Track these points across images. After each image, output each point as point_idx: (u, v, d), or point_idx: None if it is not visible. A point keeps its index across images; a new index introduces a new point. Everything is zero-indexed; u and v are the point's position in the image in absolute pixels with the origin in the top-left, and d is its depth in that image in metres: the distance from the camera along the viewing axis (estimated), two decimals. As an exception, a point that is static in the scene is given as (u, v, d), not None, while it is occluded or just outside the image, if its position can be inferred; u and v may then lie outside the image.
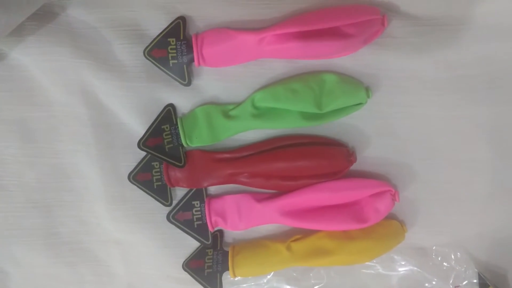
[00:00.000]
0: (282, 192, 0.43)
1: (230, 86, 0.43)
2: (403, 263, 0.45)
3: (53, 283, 0.48)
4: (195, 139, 0.42)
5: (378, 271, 0.46)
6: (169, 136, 0.43)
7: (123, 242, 0.46)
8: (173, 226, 0.44)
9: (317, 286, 0.46)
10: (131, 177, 0.44)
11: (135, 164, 0.44)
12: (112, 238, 0.46)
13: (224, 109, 0.42)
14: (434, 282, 0.45)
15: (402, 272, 0.46)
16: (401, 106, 0.43)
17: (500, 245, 0.45)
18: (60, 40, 0.42)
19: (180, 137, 0.42)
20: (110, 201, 0.45)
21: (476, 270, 0.45)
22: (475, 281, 0.45)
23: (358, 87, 0.41)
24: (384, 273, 0.46)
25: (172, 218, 0.44)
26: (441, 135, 0.43)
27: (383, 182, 0.43)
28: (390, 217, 0.45)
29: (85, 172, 0.45)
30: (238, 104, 0.42)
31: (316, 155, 0.42)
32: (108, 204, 0.45)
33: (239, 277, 0.45)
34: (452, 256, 0.45)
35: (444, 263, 0.45)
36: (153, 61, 0.41)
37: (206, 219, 0.43)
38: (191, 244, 0.45)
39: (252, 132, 0.43)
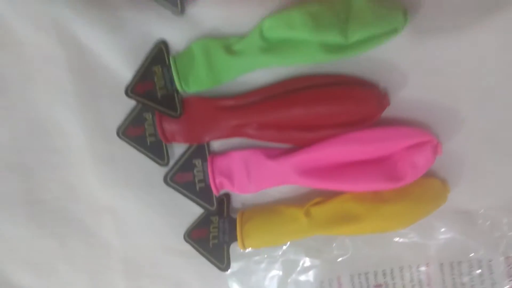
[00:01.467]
0: (299, 146, 0.41)
1: (234, 13, 0.39)
2: (443, 229, 0.43)
3: (39, 257, 0.46)
4: (192, 82, 0.40)
5: (414, 239, 0.43)
6: (162, 79, 0.40)
7: (116, 209, 0.45)
8: (172, 190, 0.42)
9: (341, 258, 0.44)
10: (120, 132, 0.42)
11: (124, 116, 0.42)
12: (103, 205, 0.45)
13: (226, 43, 0.39)
14: (481, 252, 0.42)
15: (442, 240, 0.43)
16: (449, 32, 0.39)
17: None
18: None
19: (174, 80, 0.40)
20: (97, 161, 0.43)
21: None
22: None
23: (394, 9, 0.37)
24: (420, 242, 0.43)
25: (170, 180, 0.42)
26: (499, 73, 0.39)
27: (423, 131, 0.39)
28: (430, 174, 0.42)
29: (66, 127, 0.43)
30: (243, 36, 0.39)
31: (340, 98, 0.39)
32: (95, 166, 0.43)
33: (249, 249, 0.43)
34: (504, 221, 0.42)
35: (494, 230, 0.42)
36: None
37: (209, 180, 0.41)
38: (193, 210, 0.43)
39: (262, 72, 0.40)
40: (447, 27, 0.39)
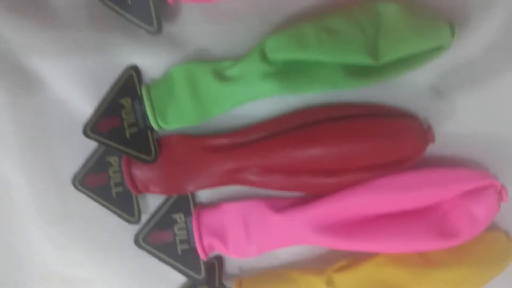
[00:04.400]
0: (315, 196, 0.39)
1: (225, 30, 0.39)
2: None
3: None
4: (172, 116, 0.39)
5: None
6: (132, 114, 0.39)
7: (71, 279, 0.44)
8: (146, 254, 0.41)
9: None
10: (76, 181, 0.41)
11: (82, 161, 0.41)
12: (56, 274, 0.44)
13: (217, 68, 0.38)
14: None
15: None
16: (507, 50, 0.38)
17: None
18: None
19: (147, 115, 0.39)
20: (47, 219, 0.42)
21: None
22: None
23: (437, 21, 0.36)
24: None
25: (143, 241, 0.41)
26: None
27: (480, 172, 0.38)
28: (492, 226, 0.40)
29: (7, 177, 0.42)
30: (239, 58, 0.38)
31: (370, 132, 0.37)
32: (45, 224, 0.42)
33: None
34: None
35: None
36: None
37: (195, 241, 0.40)
38: (174, 278, 0.42)
39: (264, 102, 0.39)
40: (501, 43, 0.38)
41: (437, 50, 0.36)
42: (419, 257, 0.39)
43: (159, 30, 0.38)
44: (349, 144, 0.37)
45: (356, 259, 0.40)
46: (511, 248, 0.40)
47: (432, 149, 0.39)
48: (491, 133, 0.40)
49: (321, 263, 0.41)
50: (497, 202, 0.38)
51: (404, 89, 0.39)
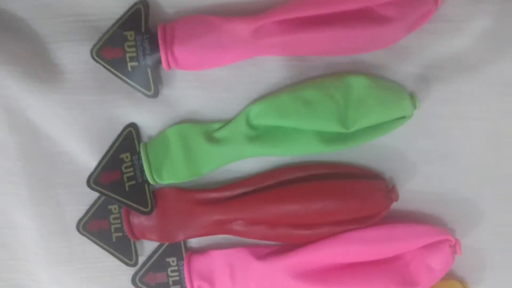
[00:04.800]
0: (294, 246, 0.41)
1: (215, 96, 0.41)
2: None
3: None
4: (166, 173, 0.40)
5: None
6: (131, 169, 0.41)
7: None
8: None
9: None
10: (80, 226, 0.42)
11: (86, 208, 0.42)
12: None
13: (207, 130, 0.40)
14: None
15: None
16: (460, 118, 0.40)
17: None
18: None
19: (145, 170, 0.40)
20: (53, 260, 0.43)
21: None
22: None
23: (400, 94, 0.38)
24: None
25: (140, 281, 0.42)
26: None
27: (438, 228, 0.40)
28: (448, 276, 0.42)
29: (17, 221, 0.43)
30: (227, 122, 0.40)
31: (341, 192, 0.39)
32: (51, 265, 0.43)
33: None
34: None
35: None
36: (104, 64, 0.39)
37: (186, 283, 0.41)
38: None
39: (249, 162, 0.41)
40: (456, 114, 0.40)
41: (400, 119, 0.38)
42: None
43: (155, 94, 0.39)
44: (323, 202, 0.39)
45: None
46: None
47: (395, 205, 0.40)
48: (447, 190, 0.41)
49: None
50: (451, 255, 0.39)
51: (371, 150, 0.41)
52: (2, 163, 0.42)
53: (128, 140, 0.41)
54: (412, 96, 0.38)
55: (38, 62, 0.40)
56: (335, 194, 0.39)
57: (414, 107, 0.38)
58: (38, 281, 0.44)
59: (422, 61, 0.40)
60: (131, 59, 0.38)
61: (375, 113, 0.38)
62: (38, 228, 0.43)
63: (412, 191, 0.41)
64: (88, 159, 0.41)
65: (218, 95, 0.41)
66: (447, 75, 0.40)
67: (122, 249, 0.42)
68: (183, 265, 0.42)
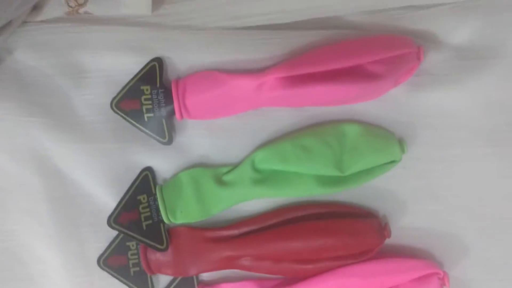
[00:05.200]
0: (296, 279, 0.41)
1: (223, 143, 0.42)
2: None
3: None
4: (180, 213, 0.41)
5: None
6: (147, 209, 0.41)
7: None
8: None
9: None
10: (101, 261, 0.43)
11: (106, 245, 0.43)
12: None
13: (217, 174, 0.41)
14: None
15: None
16: (445, 161, 0.41)
17: None
18: (5, 93, 0.41)
19: (160, 211, 0.41)
20: None
21: None
22: None
23: (390, 140, 0.40)
24: None
25: None
26: (498, 198, 0.42)
27: (427, 262, 0.41)
28: None
29: (43, 256, 0.44)
30: (234, 167, 0.41)
31: (339, 230, 0.40)
32: None
33: None
34: None
35: None
36: (123, 115, 0.40)
37: None
38: None
39: (255, 202, 0.42)
40: (442, 157, 0.42)
41: (390, 163, 0.40)
42: None
43: (170, 141, 0.40)
44: (322, 240, 0.39)
45: None
46: None
47: (388, 241, 0.41)
48: (435, 227, 0.42)
49: None
50: (440, 287, 0.40)
51: (365, 191, 0.42)
52: (32, 205, 0.43)
53: (145, 183, 0.42)
54: (401, 142, 0.39)
55: (63, 114, 0.42)
56: (333, 232, 0.40)
57: (403, 152, 0.39)
58: None
59: (409, 109, 0.41)
60: (148, 110, 0.40)
61: (367, 158, 0.39)
62: (64, 263, 0.43)
63: (404, 228, 0.42)
64: (108, 200, 0.42)
65: (226, 141, 0.42)
66: (432, 122, 0.41)
67: (140, 282, 0.42)
68: None
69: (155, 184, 0.42)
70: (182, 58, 0.41)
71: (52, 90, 0.42)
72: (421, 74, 0.40)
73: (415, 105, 0.41)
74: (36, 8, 0.41)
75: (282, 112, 0.41)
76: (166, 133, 0.41)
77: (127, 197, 0.41)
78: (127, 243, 0.42)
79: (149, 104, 0.40)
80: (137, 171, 0.42)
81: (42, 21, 0.42)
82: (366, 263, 0.40)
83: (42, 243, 0.43)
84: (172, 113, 0.40)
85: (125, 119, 0.40)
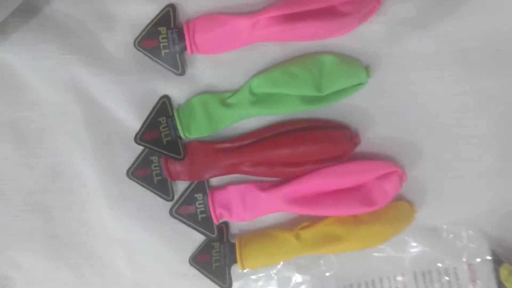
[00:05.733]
0: (286, 180, 0.44)
1: (226, 73, 0.44)
2: (414, 244, 0.47)
3: (58, 287, 0.50)
4: (194, 130, 0.44)
5: (390, 253, 0.47)
6: (166, 128, 0.44)
7: (126, 240, 0.48)
8: (177, 221, 0.45)
9: (328, 273, 0.48)
10: (129, 173, 0.45)
11: (133, 159, 0.45)
12: (115, 238, 0.48)
13: (221, 98, 0.44)
14: (447, 262, 0.47)
15: (414, 253, 0.47)
16: (404, 84, 0.44)
17: (512, 219, 0.45)
18: (47, 36, 0.43)
19: (177, 129, 0.43)
20: (110, 199, 0.47)
21: (489, 246, 0.46)
22: (488, 258, 0.46)
23: (358, 66, 0.42)
24: (396, 255, 0.47)
25: (175, 212, 0.46)
26: (447, 111, 0.45)
27: (389, 163, 0.44)
28: (399, 198, 0.46)
29: (82, 171, 0.47)
30: (235, 92, 0.44)
31: (319, 139, 0.43)
32: (108, 203, 0.47)
33: (248, 269, 0.47)
34: (464, 234, 0.47)
35: (456, 242, 0.47)
36: (144, 51, 0.42)
37: (210, 211, 0.45)
38: (196, 238, 0.47)
39: (252, 120, 0.45)
40: (401, 80, 0.44)
41: (359, 85, 0.42)
42: (352, 218, 0.44)
43: (182, 72, 0.43)
44: (305, 147, 0.43)
45: (313, 221, 0.45)
46: (412, 212, 0.45)
47: (359, 148, 0.44)
48: (397, 137, 0.45)
49: (292, 224, 0.47)
50: (400, 183, 0.43)
51: (341, 109, 0.45)
52: (72, 128, 0.46)
53: (163, 107, 0.44)
54: (367, 68, 0.42)
55: (96, 52, 0.44)
56: (314, 141, 0.43)
57: (368, 76, 0.42)
58: (99, 217, 0.48)
59: (373, 42, 0.43)
60: (164, 47, 0.42)
61: (340, 81, 0.42)
62: (99, 176, 0.46)
63: (371, 138, 0.45)
64: (134, 123, 0.45)
65: (228, 72, 0.44)
66: (393, 53, 0.44)
67: (162, 188, 0.45)
68: (207, 199, 0.45)
69: (172, 108, 0.44)
70: (191, 4, 0.43)
71: (85, 33, 0.44)
72: (381, 14, 0.42)
73: (377, 38, 0.43)
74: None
75: (273, 46, 0.43)
76: (180, 66, 0.43)
77: (149, 119, 0.44)
78: (151, 157, 0.45)
79: (165, 42, 0.42)
80: (157, 98, 0.44)
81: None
82: (340, 165, 0.43)
83: (81, 159, 0.46)
84: (184, 49, 0.42)
85: (146, 55, 0.42)
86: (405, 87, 0.44)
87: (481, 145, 0.45)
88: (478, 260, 0.47)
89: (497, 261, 0.46)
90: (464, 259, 0.47)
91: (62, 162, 0.47)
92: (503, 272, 0.46)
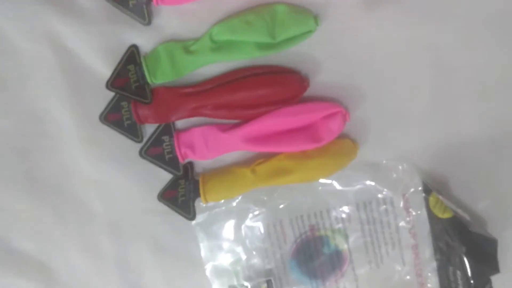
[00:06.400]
0: (244, 121, 0.46)
1: (189, 23, 0.45)
2: (357, 178, 0.50)
3: (37, 225, 0.52)
4: (159, 75, 0.45)
5: (336, 187, 0.50)
6: (135, 75, 0.46)
7: (100, 181, 0.50)
8: (146, 161, 0.48)
9: (282, 205, 0.51)
10: (102, 117, 0.47)
11: (105, 105, 0.47)
12: (90, 178, 0.50)
13: (185, 45, 0.45)
14: (385, 192, 0.50)
15: (357, 186, 0.50)
16: (349, 32, 0.46)
17: (441, 154, 0.49)
18: None
19: (145, 75, 0.45)
20: (84, 142, 0.49)
21: (420, 179, 0.49)
22: (420, 188, 0.50)
23: (307, 15, 0.43)
24: (341, 188, 0.50)
25: (144, 153, 0.48)
26: (386, 57, 0.46)
27: (334, 104, 0.46)
28: (343, 136, 0.48)
29: (58, 116, 0.48)
30: (197, 39, 0.45)
31: (272, 83, 0.45)
32: (83, 146, 0.49)
33: (210, 203, 0.50)
34: (400, 168, 0.49)
35: (393, 175, 0.50)
36: (112, 2, 0.44)
37: (176, 152, 0.47)
38: (164, 177, 0.49)
39: (213, 66, 0.46)
40: (346, 28, 0.46)
41: (308, 32, 0.44)
42: (301, 153, 0.46)
43: (149, 22, 0.45)
44: (260, 90, 0.45)
45: (267, 157, 0.48)
46: (354, 148, 0.48)
47: (309, 91, 0.46)
48: (342, 81, 0.47)
49: (249, 161, 0.49)
50: (343, 121, 0.45)
51: (291, 56, 0.46)
52: (47, 75, 0.47)
53: (132, 56, 0.46)
54: (315, 17, 0.43)
55: (68, 2, 0.45)
56: (268, 84, 0.45)
57: (317, 24, 0.43)
58: (74, 159, 0.50)
59: None
60: None
61: (291, 28, 0.43)
62: (73, 120, 0.48)
63: (319, 82, 0.47)
64: (105, 70, 0.46)
65: (191, 21, 0.45)
66: (339, 3, 0.45)
67: (132, 131, 0.47)
68: (173, 140, 0.46)
69: (139, 56, 0.46)
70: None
71: None
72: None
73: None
74: None
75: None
76: (146, 16, 0.44)
77: (119, 67, 0.46)
78: (121, 103, 0.47)
79: (133, -6, 0.43)
80: (125, 47, 0.46)
81: None
82: (292, 106, 0.46)
83: (57, 105, 0.48)
84: (150, 0, 0.44)
85: (114, 6, 0.44)
86: (350, 35, 0.46)
87: (416, 87, 0.47)
88: (412, 190, 0.50)
89: (427, 191, 0.49)
90: (399, 190, 0.50)
91: (38, 108, 0.48)
92: (432, 200, 0.49)
